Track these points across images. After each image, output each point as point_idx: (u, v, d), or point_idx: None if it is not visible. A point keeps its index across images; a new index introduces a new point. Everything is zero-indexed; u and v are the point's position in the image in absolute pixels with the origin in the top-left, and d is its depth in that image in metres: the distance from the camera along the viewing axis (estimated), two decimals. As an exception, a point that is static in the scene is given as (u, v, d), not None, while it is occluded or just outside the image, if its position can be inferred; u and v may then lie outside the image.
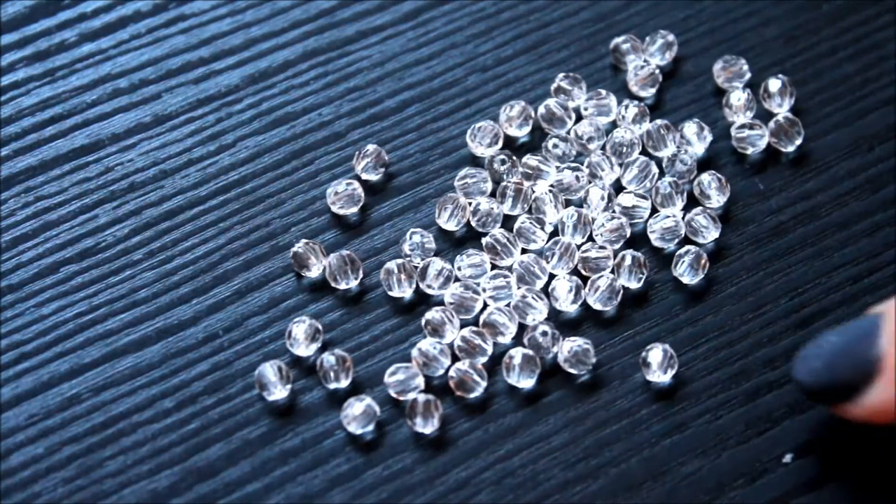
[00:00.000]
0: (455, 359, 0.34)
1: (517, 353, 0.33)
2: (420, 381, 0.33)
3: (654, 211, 0.36)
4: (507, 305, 0.34)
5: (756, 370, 0.34)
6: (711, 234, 0.35)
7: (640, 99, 0.38)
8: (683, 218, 0.36)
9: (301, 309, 0.35)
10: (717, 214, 0.36)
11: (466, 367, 0.33)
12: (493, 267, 0.35)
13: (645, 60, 0.38)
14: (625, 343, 0.34)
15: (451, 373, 0.33)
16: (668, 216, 0.35)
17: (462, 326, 0.34)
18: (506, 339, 0.34)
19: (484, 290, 0.34)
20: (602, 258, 0.35)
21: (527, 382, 0.34)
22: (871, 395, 0.30)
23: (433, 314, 0.34)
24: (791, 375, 0.32)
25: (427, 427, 0.33)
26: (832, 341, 0.31)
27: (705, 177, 0.36)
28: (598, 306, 0.35)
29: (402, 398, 0.33)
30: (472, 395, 0.33)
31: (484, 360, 0.34)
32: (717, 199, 0.36)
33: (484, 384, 0.33)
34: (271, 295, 0.35)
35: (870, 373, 0.30)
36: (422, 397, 0.33)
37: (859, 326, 0.31)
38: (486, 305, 0.34)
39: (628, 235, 0.35)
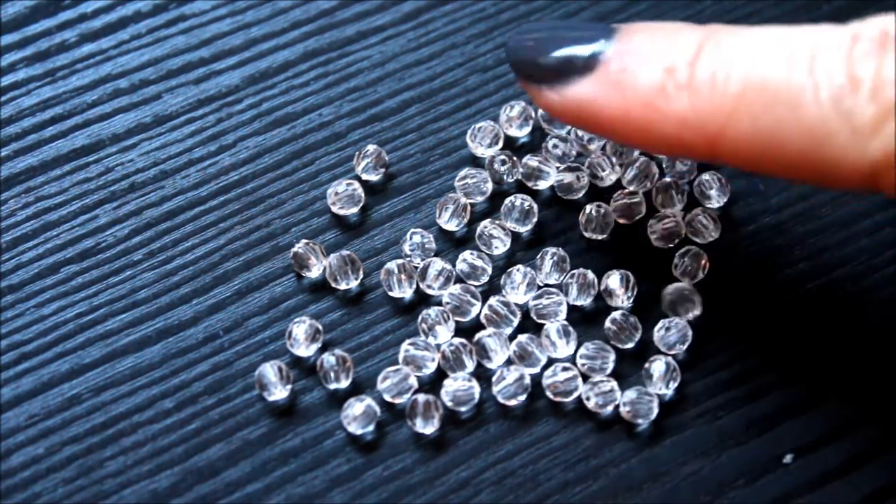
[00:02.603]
0: (446, 359, 0.34)
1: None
2: (413, 382, 0.33)
3: (654, 211, 0.36)
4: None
5: (756, 370, 0.34)
6: (711, 234, 0.35)
7: None
8: (684, 218, 0.36)
9: (301, 309, 0.35)
10: (717, 215, 0.36)
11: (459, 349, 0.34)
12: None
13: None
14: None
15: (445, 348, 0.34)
16: (668, 216, 0.35)
17: (457, 329, 0.34)
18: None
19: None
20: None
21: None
22: (574, 86, 0.31)
23: (429, 312, 0.34)
24: (505, 45, 0.33)
25: (427, 427, 0.33)
26: (558, 23, 0.32)
27: (706, 176, 0.36)
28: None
29: (397, 401, 0.33)
30: (465, 371, 0.33)
31: (509, 330, 0.34)
32: (717, 200, 0.36)
33: (472, 365, 0.33)
34: (271, 295, 0.35)
35: (582, 65, 0.31)
36: (422, 398, 0.33)
37: (592, 24, 0.32)
38: (483, 308, 0.34)
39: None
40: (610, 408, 0.33)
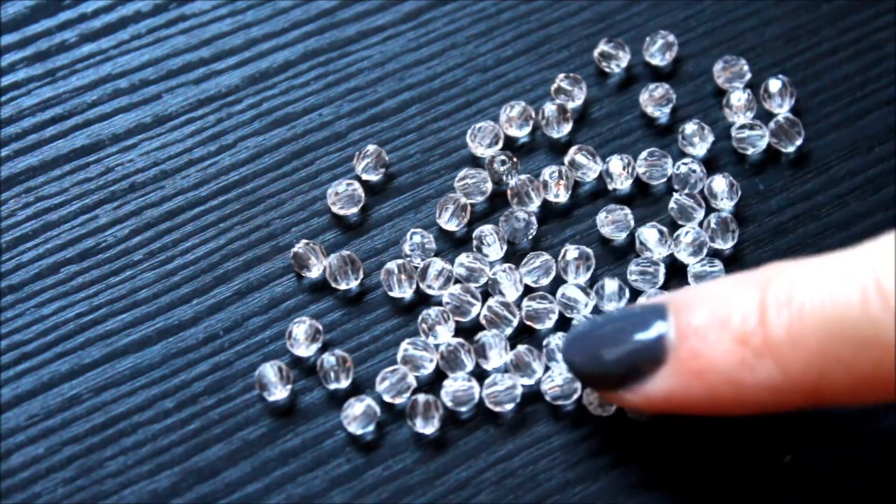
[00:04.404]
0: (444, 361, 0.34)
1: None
2: (411, 381, 0.33)
3: (676, 227, 0.36)
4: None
5: (756, 370, 0.34)
6: (729, 241, 0.35)
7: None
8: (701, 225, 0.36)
9: (301, 309, 0.35)
10: (731, 218, 0.35)
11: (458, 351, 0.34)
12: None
13: (645, 62, 0.38)
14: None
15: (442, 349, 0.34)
16: (689, 230, 0.35)
17: (457, 330, 0.34)
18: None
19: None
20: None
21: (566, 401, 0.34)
22: (651, 384, 0.29)
23: (429, 312, 0.34)
24: (563, 356, 0.32)
25: (427, 427, 0.33)
26: (610, 324, 0.30)
27: (718, 181, 0.36)
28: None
29: (397, 401, 0.33)
30: (463, 372, 0.33)
31: (509, 330, 0.34)
32: (725, 203, 0.36)
33: (471, 365, 0.34)
34: (271, 295, 0.35)
35: (651, 361, 0.29)
36: (422, 398, 0.33)
37: (642, 313, 0.30)
38: (483, 308, 0.34)
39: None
40: (612, 409, 0.33)
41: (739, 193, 0.36)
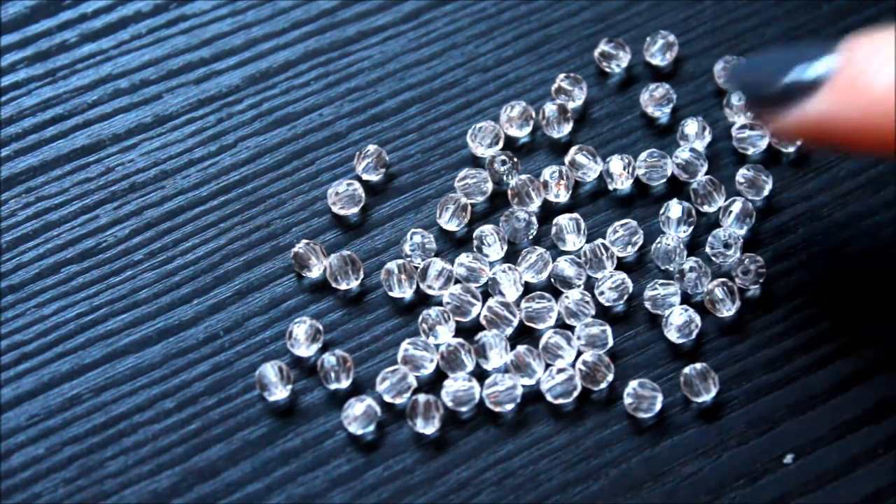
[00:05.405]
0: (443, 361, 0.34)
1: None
2: (412, 381, 0.33)
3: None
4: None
5: (756, 370, 0.34)
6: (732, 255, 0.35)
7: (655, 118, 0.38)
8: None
9: (302, 309, 0.35)
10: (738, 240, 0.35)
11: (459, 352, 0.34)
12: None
13: (646, 62, 0.38)
14: (625, 343, 0.34)
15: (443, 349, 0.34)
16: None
17: (457, 330, 0.34)
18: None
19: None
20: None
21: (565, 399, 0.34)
22: (808, 104, 0.30)
23: (430, 312, 0.34)
24: (730, 76, 0.33)
25: (428, 427, 0.33)
26: (782, 53, 0.31)
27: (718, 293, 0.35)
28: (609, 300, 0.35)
29: (397, 401, 0.33)
30: (463, 372, 0.33)
31: (509, 330, 0.34)
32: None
33: (471, 365, 0.34)
34: (272, 295, 0.35)
35: (813, 84, 0.30)
36: (422, 398, 0.33)
37: (813, 44, 0.31)
38: (483, 308, 0.34)
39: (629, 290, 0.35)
40: (623, 300, 0.34)
41: (754, 218, 0.36)
